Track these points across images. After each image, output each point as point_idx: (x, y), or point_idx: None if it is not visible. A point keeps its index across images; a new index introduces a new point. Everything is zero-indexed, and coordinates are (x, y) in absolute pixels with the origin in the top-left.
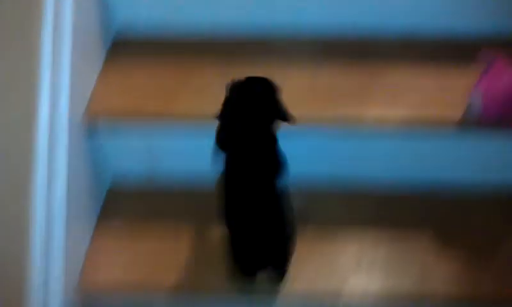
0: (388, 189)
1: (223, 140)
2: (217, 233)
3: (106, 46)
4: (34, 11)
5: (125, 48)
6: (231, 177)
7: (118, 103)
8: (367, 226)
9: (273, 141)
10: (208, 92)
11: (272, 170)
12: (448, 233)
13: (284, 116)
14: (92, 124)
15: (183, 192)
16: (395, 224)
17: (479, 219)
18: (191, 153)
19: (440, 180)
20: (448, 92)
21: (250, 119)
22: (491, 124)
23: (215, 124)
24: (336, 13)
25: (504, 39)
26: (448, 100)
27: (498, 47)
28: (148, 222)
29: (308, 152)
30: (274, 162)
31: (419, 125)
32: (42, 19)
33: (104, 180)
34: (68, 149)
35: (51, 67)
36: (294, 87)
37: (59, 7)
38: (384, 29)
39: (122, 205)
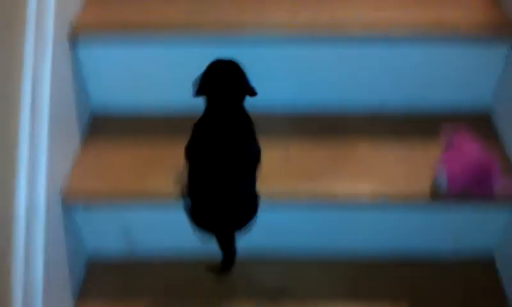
0: (364, 258)
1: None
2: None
3: (82, 126)
4: (13, 95)
5: (100, 128)
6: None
7: (94, 183)
8: (346, 296)
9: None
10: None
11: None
12: (423, 299)
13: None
14: (69, 203)
15: (161, 266)
16: (372, 294)
17: (453, 284)
18: (166, 228)
19: (413, 249)
20: (415, 164)
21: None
22: (458, 196)
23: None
24: (306, 91)
25: (465, 113)
26: (416, 173)
27: (460, 121)
28: (127, 297)
29: (283, 224)
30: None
31: (388, 197)
32: (20, 101)
33: (82, 255)
34: (45, 228)
35: (28, 147)
36: (268, 160)
37: (37, 89)
38: (353, 105)
39: (101, 280)
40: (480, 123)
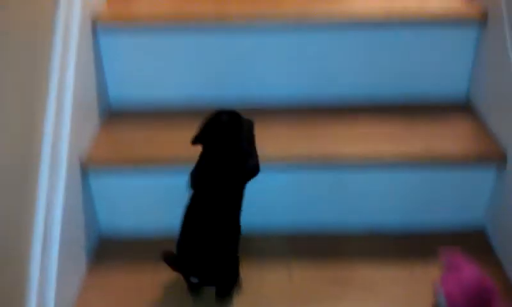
0: None
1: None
2: None
3: (88, 249)
4: (26, 221)
5: (107, 252)
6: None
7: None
8: None
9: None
10: None
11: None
12: None
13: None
14: None
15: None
16: None
17: None
18: None
19: None
20: (415, 285)
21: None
22: None
23: None
24: (305, 213)
25: (460, 230)
26: (416, 294)
27: (456, 237)
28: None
29: None
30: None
31: None
32: (34, 227)
33: None
34: None
35: (39, 273)
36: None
37: (50, 215)
38: (351, 225)
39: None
40: (475, 238)
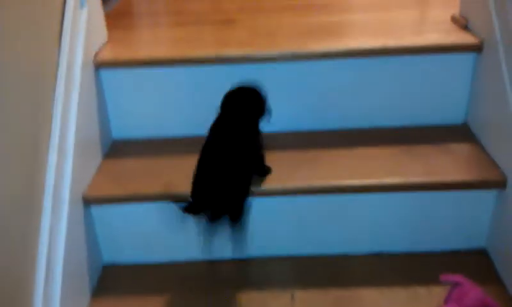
0: None
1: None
2: None
3: (92, 280)
4: (29, 259)
5: (109, 283)
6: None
7: None
8: None
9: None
10: None
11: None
12: None
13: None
14: None
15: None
16: None
17: None
18: None
19: None
20: None
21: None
22: None
23: None
24: (307, 238)
25: (465, 253)
26: None
27: (459, 264)
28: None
29: None
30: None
31: None
32: (36, 263)
33: None
34: None
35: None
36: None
37: (53, 250)
38: (354, 250)
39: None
40: (477, 260)
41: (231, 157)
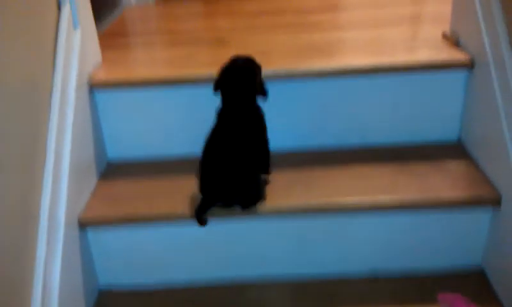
0: None
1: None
2: None
3: (88, 304)
4: (26, 275)
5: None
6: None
7: None
8: None
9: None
10: None
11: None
12: None
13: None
14: None
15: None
16: None
17: None
18: None
19: None
20: None
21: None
22: None
23: None
24: (303, 260)
25: (461, 273)
26: None
27: (456, 284)
28: None
29: None
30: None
31: None
32: (33, 289)
33: None
34: None
35: None
36: None
37: (48, 274)
38: (351, 271)
39: None
40: (474, 280)
41: (238, 146)
